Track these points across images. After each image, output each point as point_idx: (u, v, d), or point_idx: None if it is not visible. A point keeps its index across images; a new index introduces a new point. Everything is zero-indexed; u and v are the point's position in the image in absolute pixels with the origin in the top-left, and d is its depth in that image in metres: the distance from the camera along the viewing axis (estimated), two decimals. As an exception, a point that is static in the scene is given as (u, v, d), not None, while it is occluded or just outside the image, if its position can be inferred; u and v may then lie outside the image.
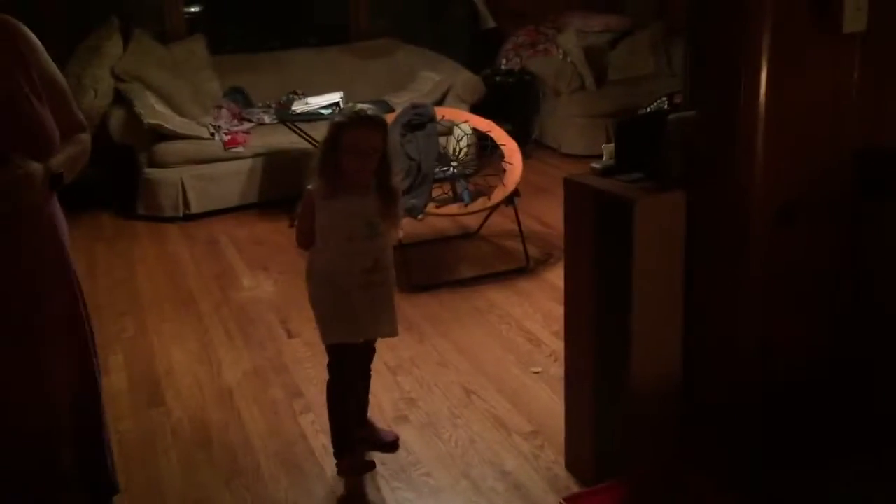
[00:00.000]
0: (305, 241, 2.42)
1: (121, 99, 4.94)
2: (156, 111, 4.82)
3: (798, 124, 1.91)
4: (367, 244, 2.35)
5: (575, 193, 2.19)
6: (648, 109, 5.17)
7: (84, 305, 2.02)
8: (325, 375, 2.51)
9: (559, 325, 3.30)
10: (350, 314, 2.39)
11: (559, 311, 3.41)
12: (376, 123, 2.28)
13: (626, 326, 2.06)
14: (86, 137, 1.98)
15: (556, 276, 3.84)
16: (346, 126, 2.25)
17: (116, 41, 5.14)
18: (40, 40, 1.89)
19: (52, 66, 1.91)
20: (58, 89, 1.90)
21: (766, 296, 1.97)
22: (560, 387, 2.73)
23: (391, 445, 2.61)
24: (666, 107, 5.10)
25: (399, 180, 2.43)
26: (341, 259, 2.35)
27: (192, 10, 6.13)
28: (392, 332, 2.50)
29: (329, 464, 2.54)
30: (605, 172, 2.20)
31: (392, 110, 4.69)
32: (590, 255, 2.16)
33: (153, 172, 4.83)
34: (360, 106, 2.35)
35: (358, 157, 2.25)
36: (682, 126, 2.06)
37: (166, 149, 4.81)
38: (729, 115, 1.93)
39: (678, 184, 2.05)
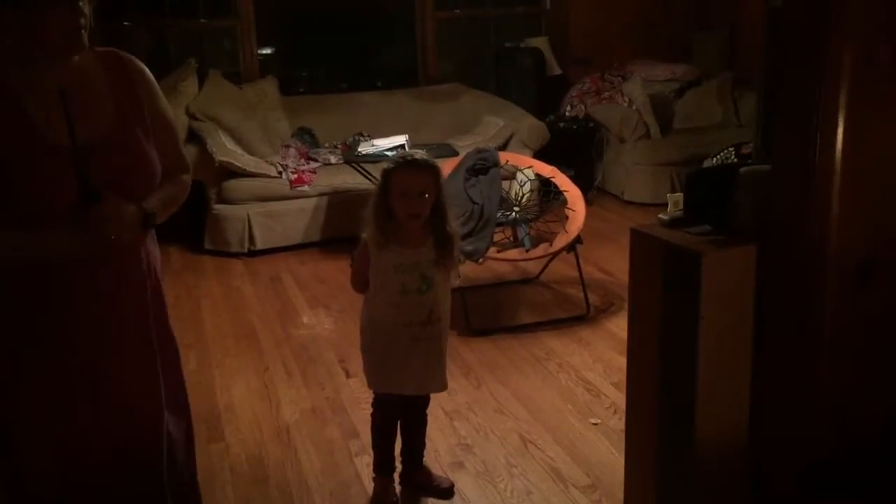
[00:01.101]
0: (360, 286, 2.44)
1: (194, 137, 5.09)
2: (227, 149, 4.96)
3: (876, 179, 1.86)
4: (421, 297, 2.33)
5: (641, 244, 2.16)
6: (715, 159, 5.12)
7: (173, 338, 2.06)
8: (382, 418, 2.51)
9: (619, 377, 3.25)
10: (398, 366, 2.39)
11: (619, 361, 3.38)
12: (424, 166, 2.26)
13: (692, 383, 2.01)
14: (187, 178, 2.00)
15: (616, 326, 3.79)
16: (394, 170, 2.25)
17: (192, 82, 5.32)
18: None
19: (165, 105, 1.93)
20: (168, 129, 1.93)
21: (842, 355, 1.91)
22: (619, 440, 2.68)
23: (446, 492, 2.59)
24: (733, 157, 5.05)
25: (456, 225, 2.41)
26: (394, 311, 2.34)
27: (265, 51, 6.33)
28: (440, 388, 2.48)
29: (383, 507, 2.53)
30: (673, 224, 2.17)
31: (456, 154, 4.74)
32: (655, 308, 2.12)
33: (221, 209, 4.95)
34: (411, 151, 2.36)
35: (408, 201, 2.23)
36: (754, 179, 2.03)
37: (235, 186, 4.93)
38: (804, 169, 1.89)
39: (749, 238, 2.01)
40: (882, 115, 1.83)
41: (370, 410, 2.58)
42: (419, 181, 2.23)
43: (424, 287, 2.32)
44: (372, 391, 2.53)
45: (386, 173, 2.26)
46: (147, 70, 1.91)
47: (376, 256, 2.31)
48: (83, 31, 1.71)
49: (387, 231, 2.28)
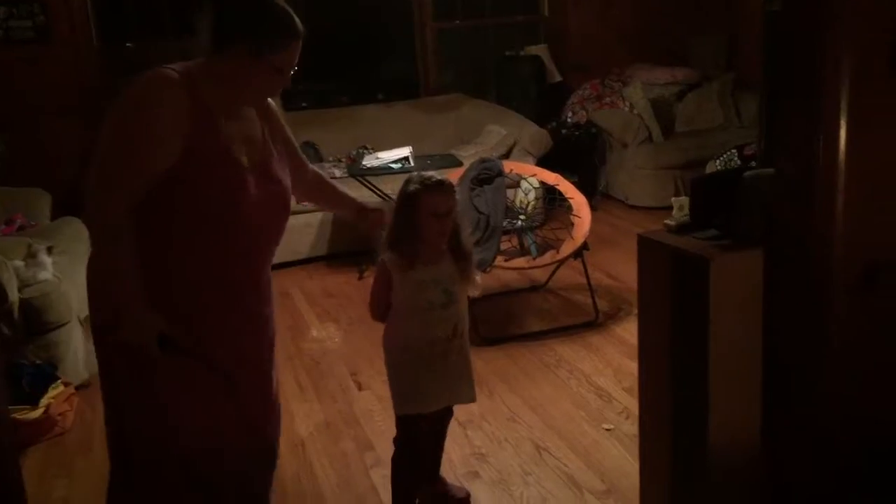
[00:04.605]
0: (381, 313, 2.41)
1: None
2: (232, 166, 4.98)
3: (879, 182, 1.88)
4: (446, 312, 2.35)
5: (649, 251, 2.19)
6: (718, 161, 5.14)
7: None
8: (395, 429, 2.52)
9: (630, 381, 3.26)
10: (430, 384, 2.37)
11: (630, 366, 3.40)
12: (449, 186, 2.32)
13: (703, 386, 2.03)
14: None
15: (626, 331, 3.81)
16: (423, 192, 2.27)
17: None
18: None
19: (286, 125, 2.22)
20: (293, 142, 2.24)
21: (850, 359, 1.92)
22: (633, 445, 2.70)
23: (463, 502, 2.60)
24: (736, 159, 5.07)
25: (469, 238, 2.45)
26: (422, 329, 2.34)
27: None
28: (472, 398, 2.49)
29: (400, 519, 2.54)
30: (680, 229, 2.19)
31: (460, 164, 4.77)
32: (664, 314, 2.14)
33: (228, 225, 4.97)
34: (426, 173, 2.35)
35: (438, 221, 2.27)
36: (758, 183, 2.05)
37: (241, 202, 4.94)
38: (806, 173, 1.91)
39: (755, 242, 2.03)
40: (883, 119, 1.85)
41: (384, 423, 2.59)
42: (448, 201, 2.28)
43: (448, 300, 2.34)
44: (397, 421, 2.45)
45: (413, 195, 2.27)
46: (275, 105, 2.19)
47: (400, 278, 2.32)
48: None
49: (410, 253, 2.30)
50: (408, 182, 2.32)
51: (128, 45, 5.69)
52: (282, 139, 2.16)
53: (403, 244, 2.30)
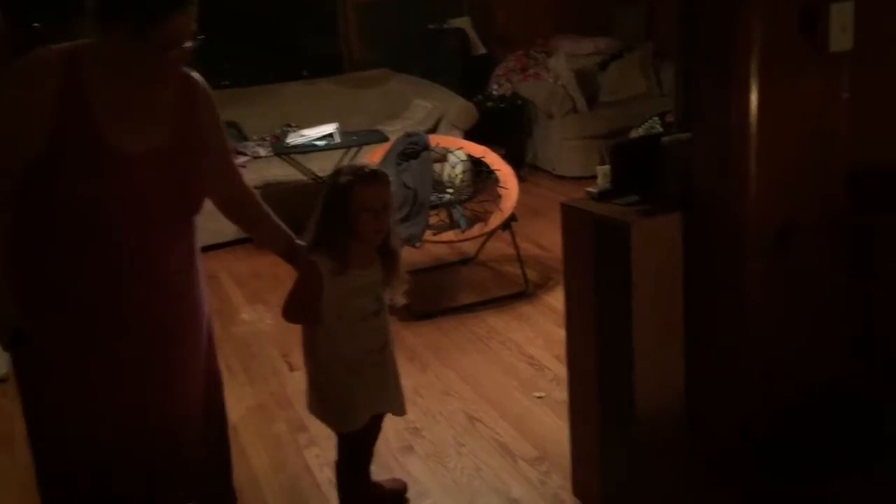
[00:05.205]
0: (302, 317, 2.17)
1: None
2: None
3: (790, 145, 1.93)
4: (377, 321, 2.17)
5: (572, 218, 2.21)
6: (640, 129, 5.22)
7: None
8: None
9: (561, 349, 3.29)
10: (364, 397, 2.21)
11: (560, 334, 3.42)
12: (384, 177, 2.08)
13: (628, 349, 2.06)
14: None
15: (555, 300, 3.85)
16: (356, 184, 2.03)
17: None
18: None
19: (224, 131, 2.05)
20: (228, 151, 2.08)
21: (766, 318, 1.98)
22: (564, 411, 2.73)
23: (400, 494, 2.52)
24: (658, 126, 5.16)
25: (399, 240, 2.23)
26: (353, 340, 2.14)
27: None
28: (402, 410, 2.34)
29: (334, 497, 2.53)
30: (602, 196, 2.22)
31: (386, 139, 4.73)
32: (589, 280, 2.17)
33: (150, 209, 4.84)
34: (358, 163, 2.18)
35: (375, 216, 2.04)
36: (675, 148, 2.09)
37: (163, 185, 4.82)
38: (721, 138, 1.95)
39: (674, 206, 2.06)
40: (792, 82, 1.90)
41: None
42: (382, 194, 2.05)
43: (379, 307, 2.16)
44: (338, 436, 2.31)
45: (345, 188, 2.03)
46: (209, 90, 2.00)
47: (332, 284, 2.07)
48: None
49: (342, 254, 2.06)
50: (338, 173, 2.08)
51: (35, 25, 5.45)
52: (210, 135, 1.98)
53: (335, 245, 2.05)
